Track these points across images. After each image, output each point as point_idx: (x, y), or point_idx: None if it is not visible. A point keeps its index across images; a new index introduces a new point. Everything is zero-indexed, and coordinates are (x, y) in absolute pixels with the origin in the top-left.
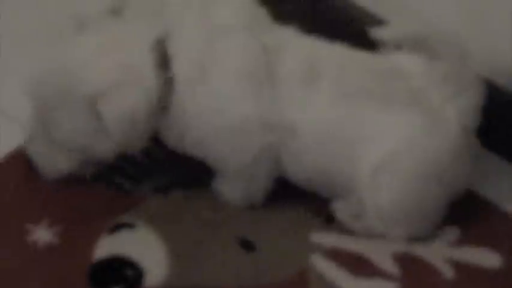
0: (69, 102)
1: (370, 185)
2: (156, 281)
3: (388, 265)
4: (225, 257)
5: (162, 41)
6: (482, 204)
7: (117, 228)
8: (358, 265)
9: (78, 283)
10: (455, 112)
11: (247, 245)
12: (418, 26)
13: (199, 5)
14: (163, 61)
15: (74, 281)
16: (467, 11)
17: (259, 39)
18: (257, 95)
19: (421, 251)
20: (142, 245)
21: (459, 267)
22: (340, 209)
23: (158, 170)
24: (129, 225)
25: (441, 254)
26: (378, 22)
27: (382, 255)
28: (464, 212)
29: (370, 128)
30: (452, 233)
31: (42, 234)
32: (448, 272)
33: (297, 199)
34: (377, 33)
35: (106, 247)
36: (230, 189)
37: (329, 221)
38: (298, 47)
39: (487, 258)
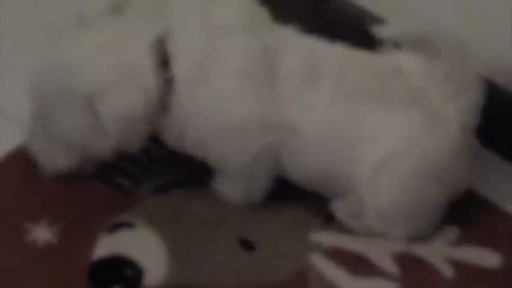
0: (68, 101)
1: (370, 185)
2: (155, 281)
3: (388, 264)
4: (225, 257)
5: (162, 41)
6: (482, 204)
7: (116, 227)
8: (358, 264)
9: (78, 282)
10: (455, 112)
11: (246, 245)
12: (418, 25)
13: (199, 5)
14: (163, 61)
15: (74, 280)
16: (467, 11)
17: (259, 39)
18: (257, 94)
19: (420, 250)
20: (141, 245)
21: (459, 266)
22: (340, 209)
23: (158, 169)
24: (129, 225)
25: (441, 253)
26: (378, 22)
27: (381, 255)
28: (464, 212)
29: (370, 127)
30: (452, 232)
31: (42, 234)
32: (447, 272)
33: (297, 199)
34: (377, 31)
35: (105, 246)
36: (230, 188)
37: (329, 220)
38: (298, 47)
39: (487, 258)
